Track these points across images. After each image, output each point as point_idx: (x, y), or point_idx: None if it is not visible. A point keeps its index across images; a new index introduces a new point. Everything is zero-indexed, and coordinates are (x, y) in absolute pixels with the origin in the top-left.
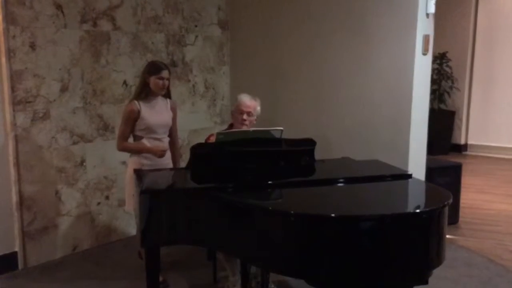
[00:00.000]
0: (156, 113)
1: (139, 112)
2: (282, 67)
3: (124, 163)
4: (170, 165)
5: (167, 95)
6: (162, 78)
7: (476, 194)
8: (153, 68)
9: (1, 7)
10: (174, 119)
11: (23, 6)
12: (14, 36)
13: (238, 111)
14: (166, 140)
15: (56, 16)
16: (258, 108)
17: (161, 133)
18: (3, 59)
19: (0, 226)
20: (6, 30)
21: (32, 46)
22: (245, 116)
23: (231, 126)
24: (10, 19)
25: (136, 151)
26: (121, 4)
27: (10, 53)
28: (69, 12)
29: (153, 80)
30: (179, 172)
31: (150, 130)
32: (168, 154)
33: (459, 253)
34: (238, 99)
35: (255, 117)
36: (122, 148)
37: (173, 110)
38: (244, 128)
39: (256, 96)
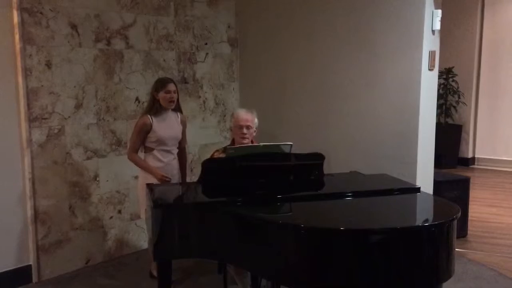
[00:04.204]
0: (167, 126)
1: (151, 125)
2: (290, 83)
3: (136, 177)
4: (178, 176)
5: (178, 109)
6: (169, 92)
7: (485, 208)
8: (160, 84)
9: (18, 27)
10: (183, 132)
11: (40, 26)
12: (30, 55)
13: (237, 126)
14: (175, 151)
15: (71, 36)
16: (256, 120)
17: (171, 145)
18: (20, 78)
19: (15, 240)
20: (23, 50)
21: (48, 65)
22: (244, 130)
23: (233, 141)
24: (26, 39)
25: (141, 167)
26: (134, 23)
27: (27, 71)
28: (84, 32)
29: (161, 95)
30: (190, 186)
31: (161, 142)
32: (176, 165)
33: (468, 266)
34: (235, 114)
35: (255, 129)
36: (131, 158)
37: (183, 123)
38: (245, 141)
39: (253, 109)
